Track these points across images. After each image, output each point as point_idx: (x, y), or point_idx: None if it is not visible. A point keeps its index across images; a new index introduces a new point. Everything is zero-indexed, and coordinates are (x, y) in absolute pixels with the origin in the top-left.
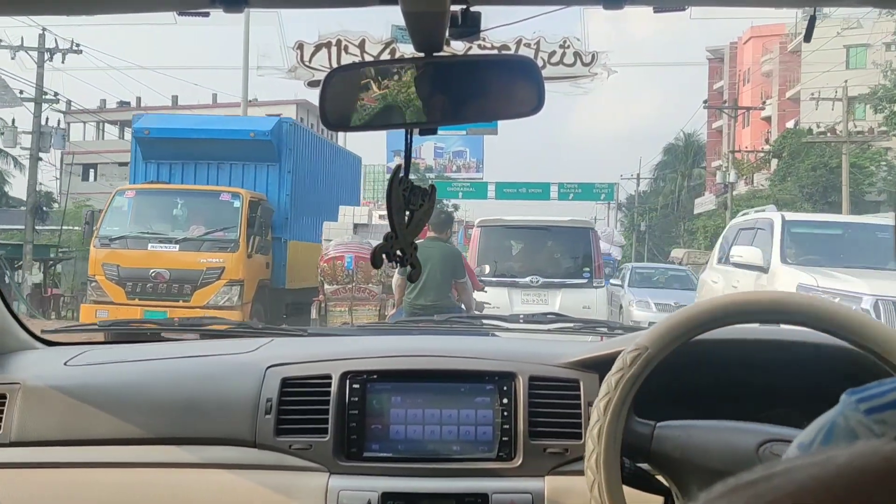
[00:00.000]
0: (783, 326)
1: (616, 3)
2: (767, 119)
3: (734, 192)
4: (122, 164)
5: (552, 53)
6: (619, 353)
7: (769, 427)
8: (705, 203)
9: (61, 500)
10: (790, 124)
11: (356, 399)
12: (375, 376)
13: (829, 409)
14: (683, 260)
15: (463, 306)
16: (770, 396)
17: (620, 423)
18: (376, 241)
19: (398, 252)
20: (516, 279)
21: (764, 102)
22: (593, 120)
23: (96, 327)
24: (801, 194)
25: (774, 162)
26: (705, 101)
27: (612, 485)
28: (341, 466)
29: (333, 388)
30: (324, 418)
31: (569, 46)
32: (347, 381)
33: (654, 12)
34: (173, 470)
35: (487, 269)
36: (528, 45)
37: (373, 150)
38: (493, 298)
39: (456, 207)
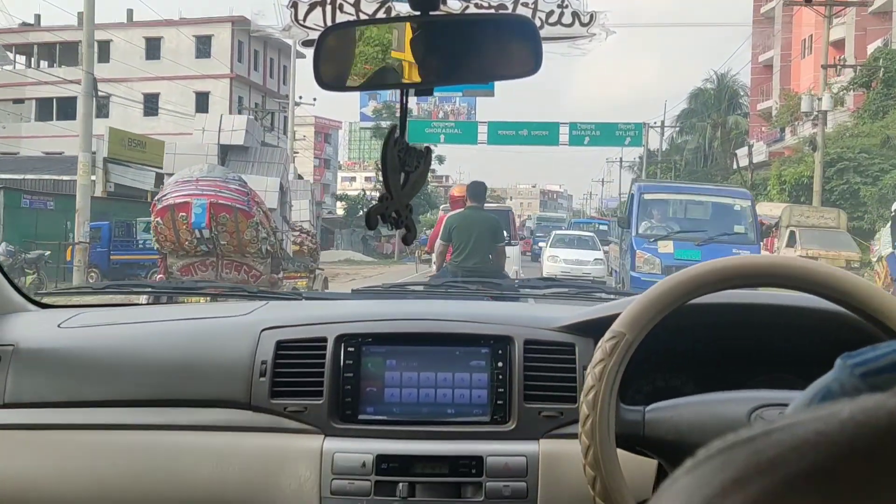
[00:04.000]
0: (775, 290)
1: None
2: (837, 44)
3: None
4: (16, 102)
5: (550, 13)
6: (615, 316)
7: (759, 392)
8: (753, 153)
9: (55, 462)
10: (876, 45)
11: (351, 362)
12: (371, 339)
13: (821, 372)
14: (783, 219)
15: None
16: (763, 360)
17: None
18: (258, 178)
19: (393, 214)
20: None
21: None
22: (598, 80)
23: (90, 289)
24: None
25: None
26: None
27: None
28: (336, 429)
29: (328, 351)
30: (319, 381)
31: (567, 6)
32: (342, 345)
33: None
34: (167, 432)
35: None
36: (525, 5)
37: (351, 102)
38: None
39: (440, 160)
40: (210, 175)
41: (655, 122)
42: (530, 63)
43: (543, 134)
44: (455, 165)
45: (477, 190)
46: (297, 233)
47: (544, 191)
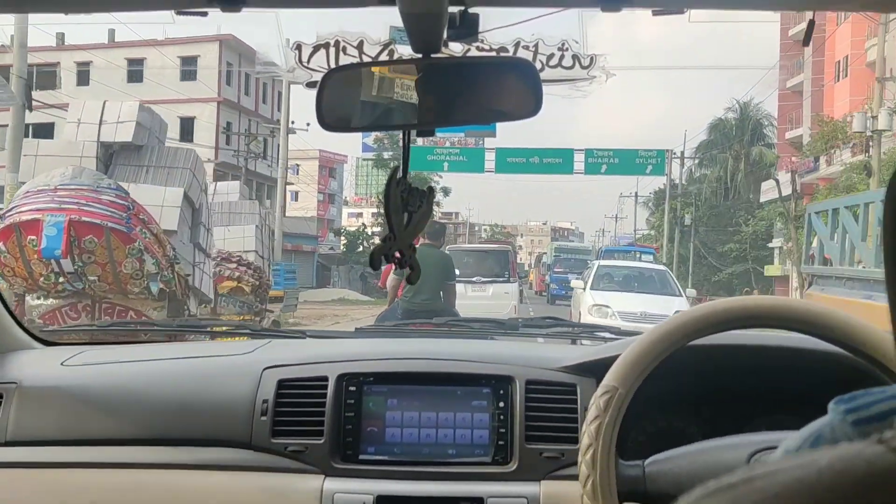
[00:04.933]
0: (775, 332)
1: (614, 5)
2: (874, 65)
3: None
4: None
5: (550, 56)
6: (615, 357)
7: (758, 435)
8: (782, 186)
9: (57, 500)
10: None
11: (352, 401)
12: (372, 379)
13: (822, 413)
14: None
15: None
16: (764, 401)
17: (611, 471)
18: (153, 188)
19: (397, 254)
20: (468, 278)
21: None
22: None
23: (94, 328)
24: None
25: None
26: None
27: None
28: (337, 469)
29: (330, 391)
30: (320, 420)
31: (567, 49)
32: (344, 384)
33: (653, 15)
34: (169, 471)
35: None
36: (526, 48)
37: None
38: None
39: (446, 192)
40: (74, 182)
41: (675, 153)
42: (531, 105)
43: (557, 161)
44: (464, 201)
45: (433, 229)
46: (234, 265)
47: (555, 228)
